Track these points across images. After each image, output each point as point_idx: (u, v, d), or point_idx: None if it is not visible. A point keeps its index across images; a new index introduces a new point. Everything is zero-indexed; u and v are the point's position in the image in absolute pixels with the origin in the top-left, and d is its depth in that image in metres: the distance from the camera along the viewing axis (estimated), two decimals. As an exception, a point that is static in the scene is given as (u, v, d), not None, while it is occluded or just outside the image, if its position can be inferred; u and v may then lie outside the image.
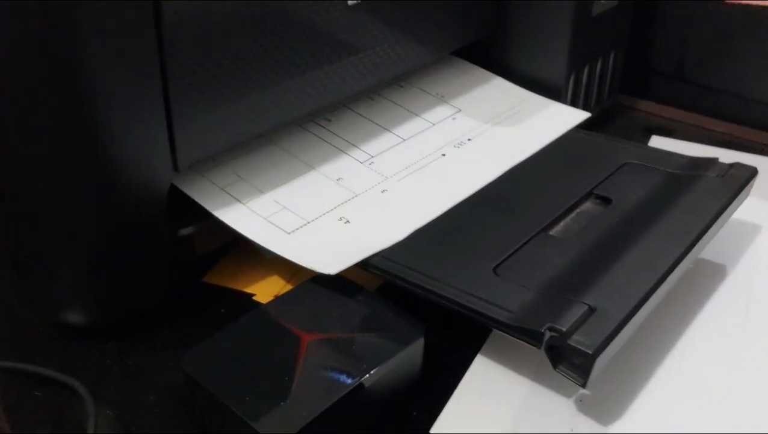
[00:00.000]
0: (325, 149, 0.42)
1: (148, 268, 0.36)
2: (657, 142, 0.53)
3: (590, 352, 0.28)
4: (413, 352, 0.32)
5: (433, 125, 0.45)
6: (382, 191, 0.39)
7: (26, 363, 0.34)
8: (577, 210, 0.39)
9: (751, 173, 0.40)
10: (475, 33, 0.50)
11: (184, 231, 0.37)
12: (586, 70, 0.51)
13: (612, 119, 0.57)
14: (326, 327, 0.32)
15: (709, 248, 0.39)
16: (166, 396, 0.33)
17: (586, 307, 0.30)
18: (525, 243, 0.36)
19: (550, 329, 0.29)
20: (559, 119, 0.46)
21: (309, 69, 0.39)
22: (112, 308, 0.36)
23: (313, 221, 0.37)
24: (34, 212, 0.33)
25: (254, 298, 0.39)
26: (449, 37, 0.48)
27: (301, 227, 0.36)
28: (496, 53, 0.51)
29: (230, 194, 0.37)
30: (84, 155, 0.31)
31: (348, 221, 0.37)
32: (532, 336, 0.30)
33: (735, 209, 0.39)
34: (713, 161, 0.41)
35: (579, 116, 0.47)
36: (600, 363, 0.29)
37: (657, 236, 0.35)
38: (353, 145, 0.42)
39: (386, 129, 0.44)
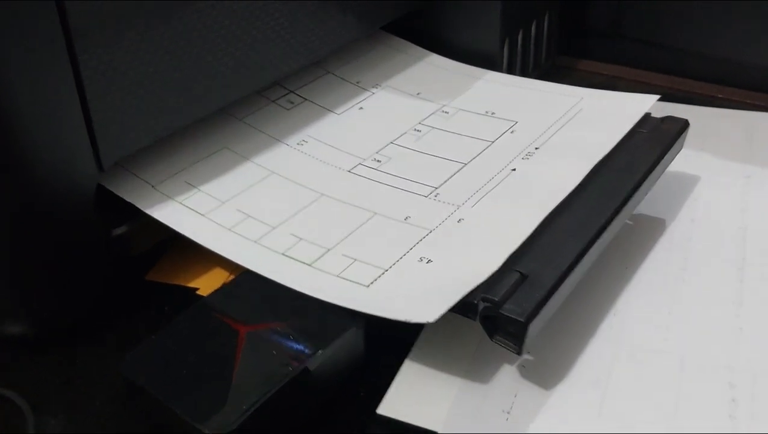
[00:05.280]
0: (382, 191, 0.38)
1: (83, 273, 0.35)
2: (597, 101, 0.53)
3: (522, 320, 0.28)
4: (354, 336, 0.32)
5: (492, 142, 0.42)
6: (459, 221, 0.35)
7: (-37, 380, 0.33)
8: (514, 177, 0.39)
9: (682, 125, 0.40)
10: (409, 4, 0.49)
11: (118, 231, 0.36)
12: (520, 35, 0.51)
13: (552, 81, 0.57)
14: (264, 317, 0.32)
15: (648, 203, 0.40)
16: (113, 401, 0.33)
17: (518, 275, 0.30)
18: (460, 216, 0.36)
19: (484, 299, 0.30)
20: (626, 108, 0.42)
21: (231, 53, 0.38)
22: (49, 317, 0.35)
23: (390, 268, 0.33)
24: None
25: (198, 292, 0.39)
26: (381, 10, 0.47)
27: (380, 277, 0.33)
28: (425, 25, 0.50)
29: (290, 257, 0.35)
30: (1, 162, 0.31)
31: (430, 261, 0.33)
32: (466, 308, 0.30)
33: (669, 163, 0.40)
34: (645, 116, 0.41)
35: (646, 101, 0.43)
36: (533, 329, 0.29)
37: (588, 197, 0.35)
38: (412, 181, 0.39)
39: (443, 158, 0.41)
